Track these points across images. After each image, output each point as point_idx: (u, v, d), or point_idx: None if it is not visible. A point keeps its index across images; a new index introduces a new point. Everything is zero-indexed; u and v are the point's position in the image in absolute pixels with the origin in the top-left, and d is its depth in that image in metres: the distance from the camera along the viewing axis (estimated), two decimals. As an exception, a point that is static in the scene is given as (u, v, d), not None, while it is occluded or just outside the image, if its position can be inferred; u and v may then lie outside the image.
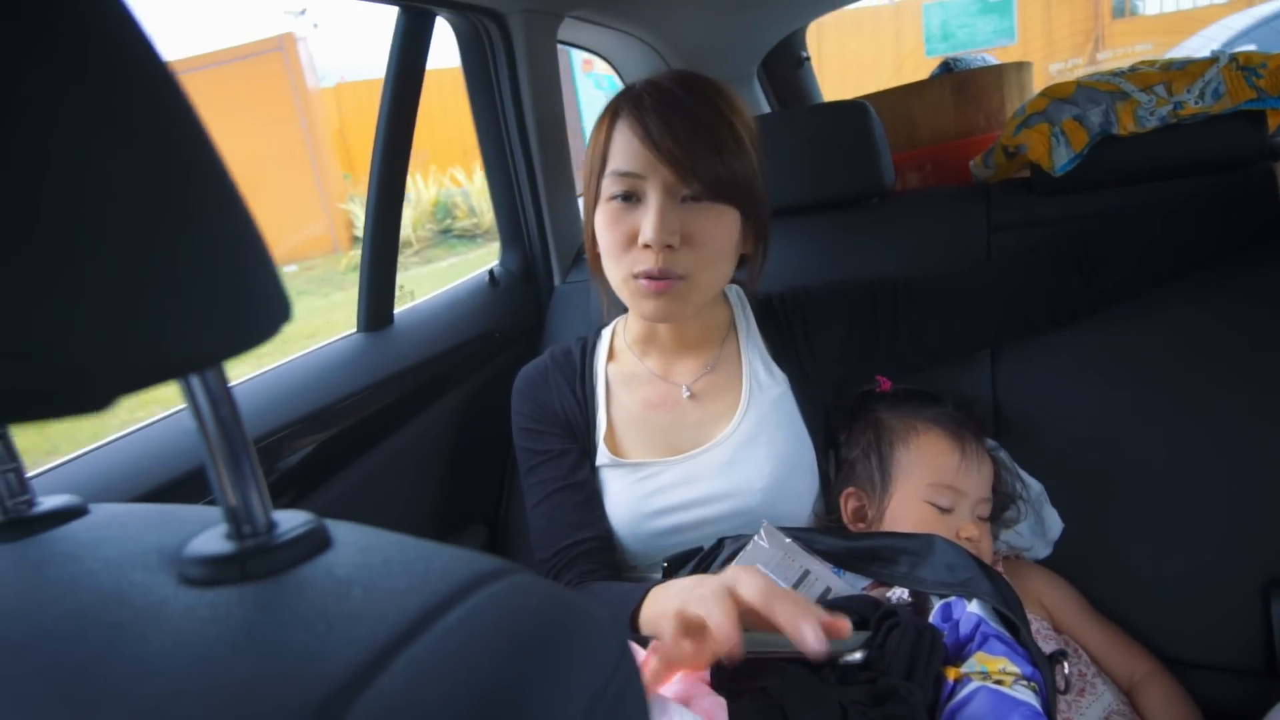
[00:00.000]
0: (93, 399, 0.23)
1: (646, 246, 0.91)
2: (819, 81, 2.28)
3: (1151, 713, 0.90)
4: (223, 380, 0.31)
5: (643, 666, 0.69)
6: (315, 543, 0.31)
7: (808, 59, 2.23)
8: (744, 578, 0.68)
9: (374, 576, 0.28)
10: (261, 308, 0.28)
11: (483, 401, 1.33)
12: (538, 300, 1.48)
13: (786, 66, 2.19)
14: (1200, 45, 4.71)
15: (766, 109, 2.17)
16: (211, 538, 0.32)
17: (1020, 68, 1.63)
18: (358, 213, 8.18)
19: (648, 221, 0.90)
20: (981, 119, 1.55)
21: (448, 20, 1.29)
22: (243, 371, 1.09)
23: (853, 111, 1.25)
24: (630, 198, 0.93)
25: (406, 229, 7.86)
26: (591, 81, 6.20)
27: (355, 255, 8.23)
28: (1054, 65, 7.83)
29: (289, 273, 8.30)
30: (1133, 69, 1.09)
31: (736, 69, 2.05)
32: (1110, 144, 1.07)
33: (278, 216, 7.40)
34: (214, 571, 0.29)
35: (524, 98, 1.37)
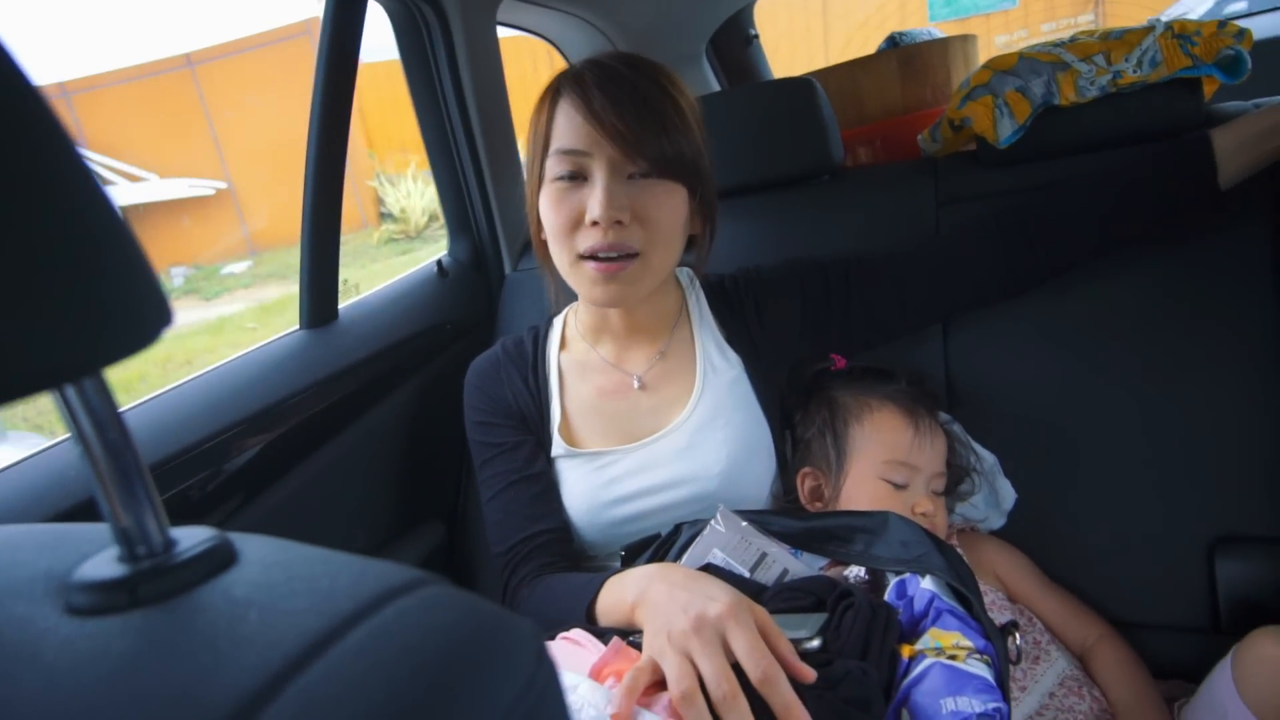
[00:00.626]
0: None
1: (595, 224, 0.89)
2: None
3: (1104, 675, 0.91)
4: (103, 389, 0.29)
5: (600, 667, 0.68)
6: (217, 561, 0.29)
7: (756, 37, 2.21)
8: (738, 631, 0.65)
9: (274, 596, 0.26)
10: (137, 312, 0.26)
11: (435, 395, 1.30)
12: (488, 289, 1.46)
13: (735, 45, 2.17)
14: (1193, 5, 4.71)
15: (716, 88, 2.16)
16: (102, 561, 0.29)
17: (965, 40, 1.63)
18: (386, 189, 8.38)
19: (595, 199, 0.89)
20: (928, 93, 1.55)
21: (381, 3, 1.25)
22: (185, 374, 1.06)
23: (800, 88, 1.24)
24: (576, 177, 0.91)
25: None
26: None
27: (385, 229, 8.43)
28: (999, 38, 7.91)
29: (235, 273, 8.27)
30: (1073, 39, 1.10)
31: (684, 48, 2.03)
32: (1053, 115, 1.08)
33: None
34: (101, 598, 0.27)
35: (465, 83, 1.33)
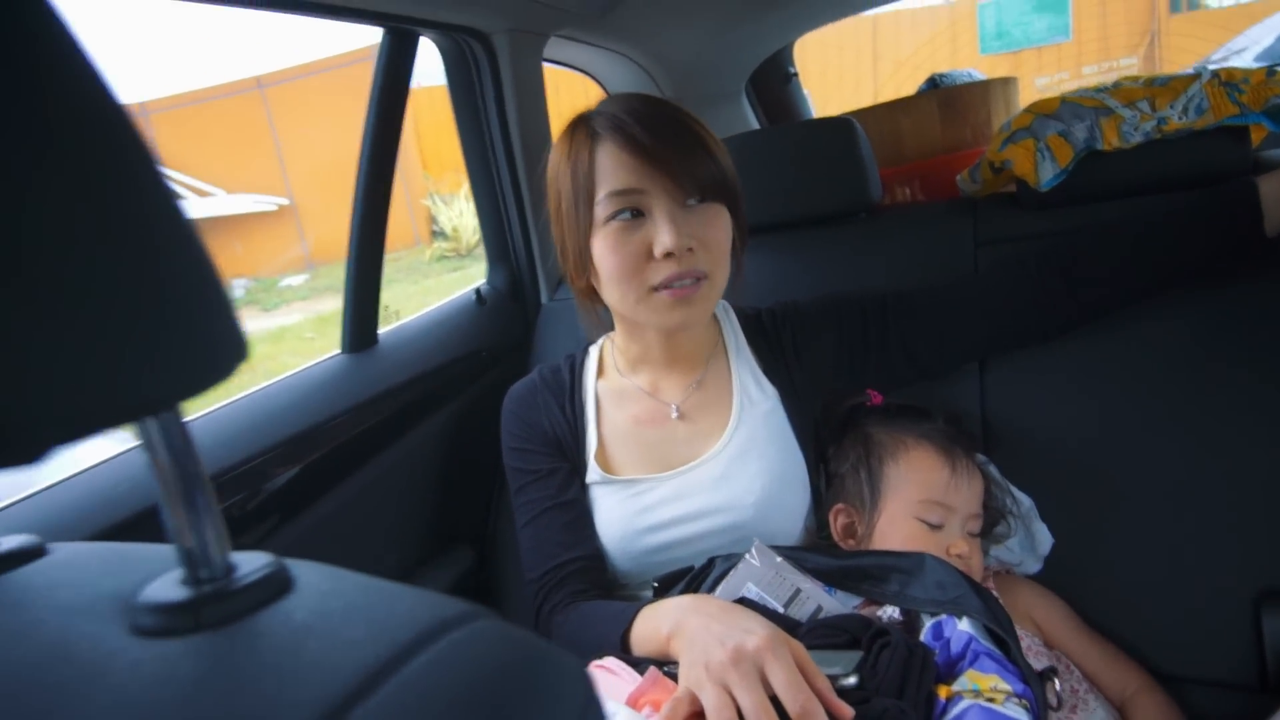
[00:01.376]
0: (25, 450, 0.22)
1: (669, 256, 0.90)
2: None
3: (1144, 729, 0.89)
4: (178, 420, 0.30)
5: (636, 697, 0.68)
6: (275, 586, 0.30)
7: (795, 75, 2.23)
8: (776, 665, 0.65)
9: (332, 624, 0.27)
10: (218, 348, 0.28)
11: (470, 421, 1.32)
12: (525, 318, 1.48)
13: (774, 82, 2.19)
14: (1253, 40, 4.68)
15: (755, 125, 2.18)
16: (167, 583, 0.31)
17: (1006, 83, 1.64)
18: (439, 209, 8.75)
19: (664, 231, 0.90)
20: (968, 134, 1.55)
21: (433, 40, 1.29)
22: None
23: (839, 127, 1.25)
24: (634, 213, 0.93)
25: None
26: None
27: (437, 247, 8.77)
28: (1039, 80, 7.88)
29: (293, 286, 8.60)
30: (1116, 85, 1.10)
31: (725, 85, 2.06)
32: (1095, 159, 1.07)
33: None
34: (166, 620, 0.28)
35: (509, 116, 1.36)
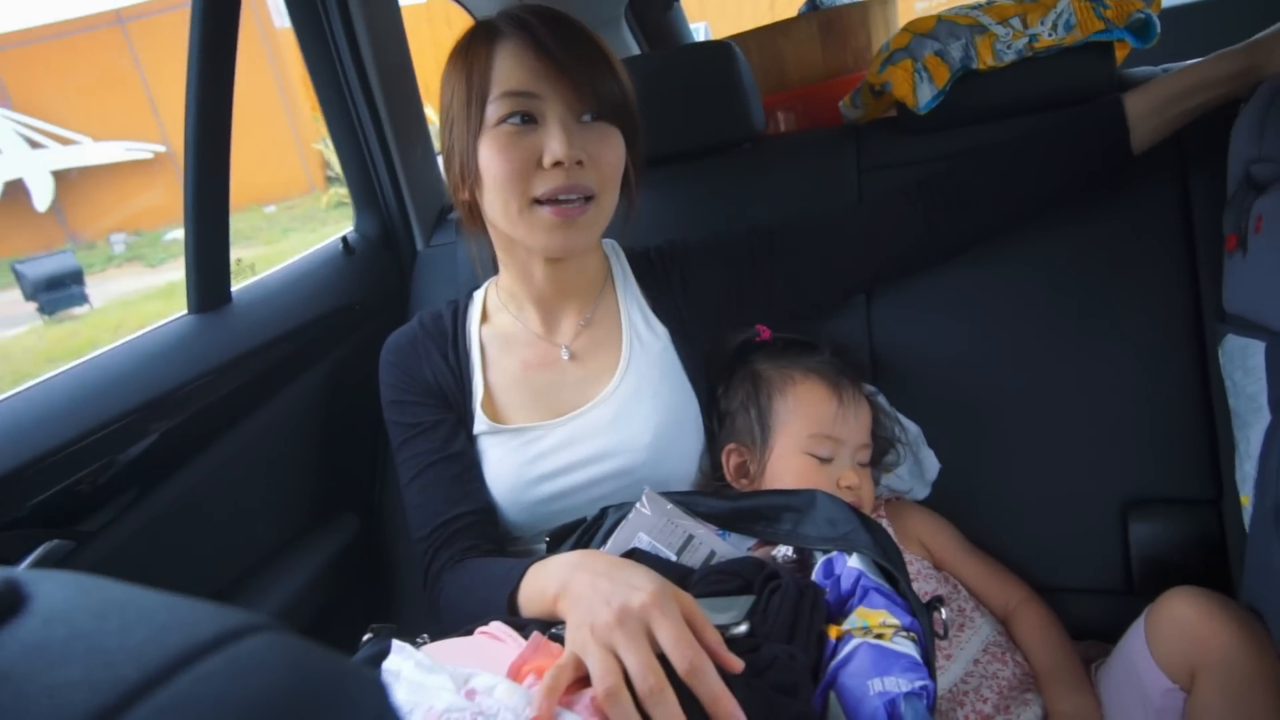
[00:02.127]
0: None
1: (557, 164, 0.85)
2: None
3: (1025, 639, 0.92)
4: None
5: (519, 665, 0.64)
6: None
7: (676, 0, 2.15)
8: (663, 622, 0.62)
9: (42, 664, 0.21)
10: None
11: (345, 379, 1.23)
12: (399, 267, 1.38)
13: (655, 8, 2.11)
14: None
15: (636, 52, 2.09)
16: None
17: (885, 3, 1.61)
18: (331, 152, 8.17)
19: (554, 139, 0.85)
20: (849, 57, 1.53)
21: None
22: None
23: (719, 53, 1.20)
24: (525, 119, 0.87)
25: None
26: None
27: (334, 193, 8.28)
28: (918, 3, 7.99)
29: (269, 213, 8.44)
30: (989, 2, 1.08)
31: (603, 11, 1.96)
32: (971, 80, 1.07)
33: (254, 159, 7.20)
34: None
35: (364, 49, 1.24)
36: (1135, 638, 0.81)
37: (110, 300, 6.36)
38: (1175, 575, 0.85)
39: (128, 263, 7.69)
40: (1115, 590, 0.98)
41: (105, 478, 0.92)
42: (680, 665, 0.59)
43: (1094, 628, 0.96)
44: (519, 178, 0.87)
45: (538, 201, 0.87)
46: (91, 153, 8.17)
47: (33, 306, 5.35)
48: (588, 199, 0.88)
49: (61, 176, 8.10)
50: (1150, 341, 1.00)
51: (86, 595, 0.25)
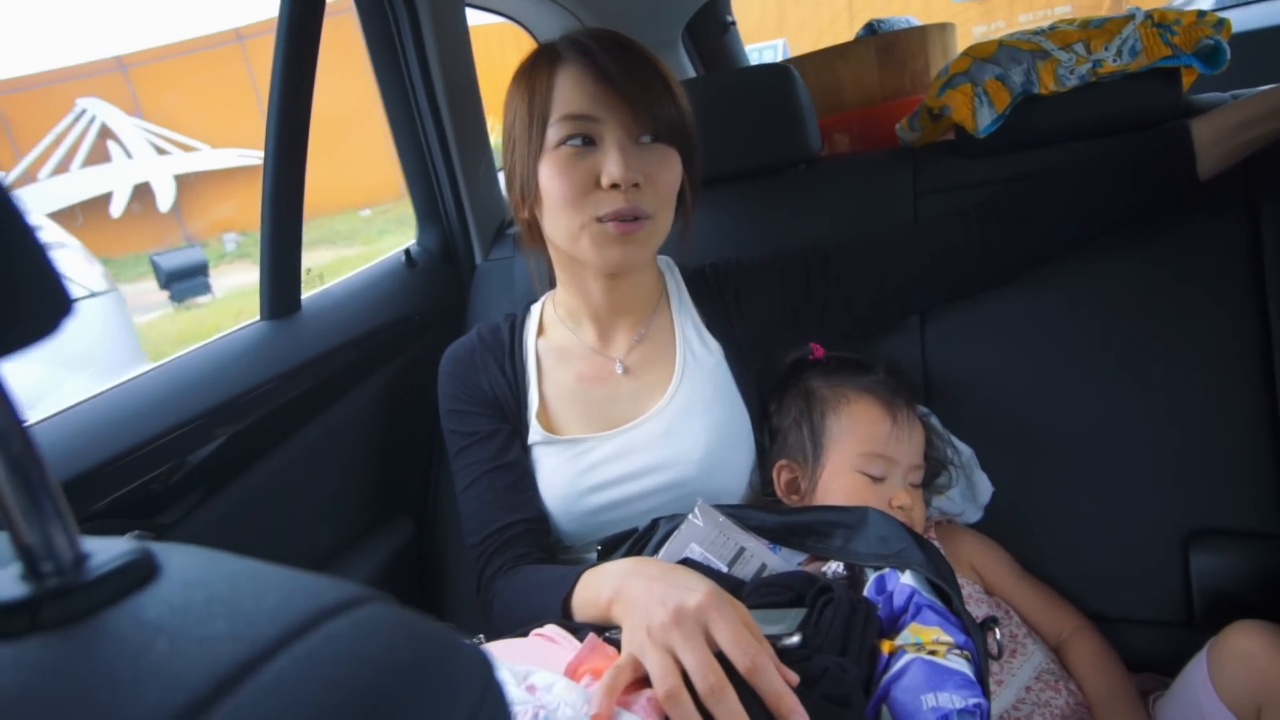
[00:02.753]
0: None
1: (614, 187, 0.87)
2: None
3: (1079, 668, 0.91)
4: (3, 395, 0.26)
5: (575, 665, 0.66)
6: (133, 577, 0.27)
7: (733, 24, 2.18)
8: (720, 621, 0.63)
9: (189, 620, 0.23)
10: (33, 303, 0.23)
11: (404, 387, 1.27)
12: (459, 280, 1.42)
13: (711, 32, 2.14)
14: None
15: (692, 74, 2.13)
16: (6, 579, 0.26)
17: (944, 29, 1.62)
18: None
19: (612, 161, 0.87)
20: (906, 81, 1.53)
21: None
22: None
23: (776, 75, 1.22)
24: (583, 141, 0.89)
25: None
26: None
27: None
28: (977, 28, 7.93)
29: (364, 216, 8.99)
30: (1052, 28, 1.08)
31: (660, 34, 2.00)
32: (1032, 104, 1.06)
33: (352, 164, 7.73)
34: None
35: (433, 69, 1.29)
36: (1197, 671, 0.80)
37: (228, 291, 6.93)
38: (1238, 608, 0.83)
39: (238, 259, 8.33)
40: (1175, 622, 0.96)
41: (178, 476, 0.96)
42: (741, 663, 0.60)
43: (1151, 660, 0.94)
44: (578, 198, 0.89)
45: (598, 220, 0.90)
46: (209, 159, 8.91)
47: (164, 295, 5.92)
48: (644, 218, 0.90)
49: (181, 180, 8.83)
50: (1215, 370, 0.98)
51: (215, 565, 0.28)
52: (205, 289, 5.99)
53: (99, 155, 8.95)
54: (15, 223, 0.23)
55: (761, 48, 5.99)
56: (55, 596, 0.25)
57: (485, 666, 0.24)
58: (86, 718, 0.20)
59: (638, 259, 0.93)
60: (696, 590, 0.66)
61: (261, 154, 1.15)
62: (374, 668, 0.22)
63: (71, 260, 3.22)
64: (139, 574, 0.27)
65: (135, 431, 0.93)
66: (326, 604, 0.24)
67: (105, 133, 8.99)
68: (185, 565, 0.28)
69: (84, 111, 9.00)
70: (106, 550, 0.27)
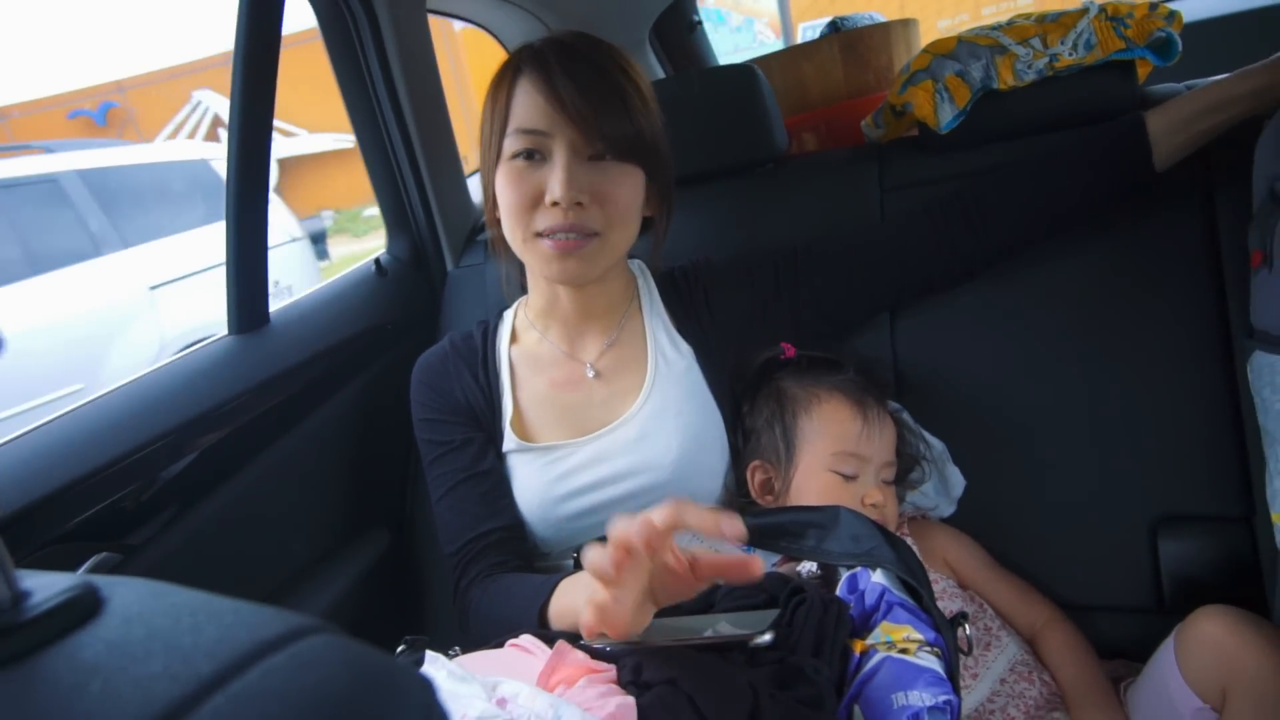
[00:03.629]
0: None
1: (555, 204, 0.87)
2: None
3: (1052, 658, 0.92)
4: None
5: (548, 674, 0.66)
6: (76, 615, 0.26)
7: (700, 23, 2.19)
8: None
9: (125, 659, 0.23)
10: None
11: (378, 398, 1.26)
12: (430, 288, 1.41)
13: (679, 31, 2.14)
14: None
15: (661, 76, 2.13)
16: None
17: (906, 24, 1.63)
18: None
19: (555, 179, 0.87)
20: (871, 78, 1.54)
21: None
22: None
23: (740, 75, 1.22)
24: (533, 155, 0.90)
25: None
26: (704, 15, 6.82)
27: None
28: (941, 22, 7.99)
29: None
30: (1010, 22, 1.09)
31: (627, 34, 1.99)
32: (992, 99, 1.08)
33: None
34: None
35: (395, 74, 1.28)
36: (1165, 657, 0.81)
37: (340, 257, 7.81)
38: (1206, 594, 0.84)
39: (337, 234, 9.27)
40: (1145, 609, 0.98)
41: (149, 494, 0.96)
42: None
43: (1123, 647, 0.96)
44: (523, 211, 0.90)
45: (539, 235, 0.90)
46: (307, 143, 9.61)
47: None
48: (590, 235, 0.90)
49: (282, 163, 9.38)
50: (1177, 358, 1.00)
51: (158, 599, 0.27)
52: (325, 254, 7.01)
53: (212, 141, 9.56)
54: None
55: (816, 24, 5.95)
56: None
57: (427, 694, 0.24)
58: None
59: (584, 274, 0.93)
60: None
61: (352, 138, 1.16)
62: (310, 703, 0.22)
63: (276, 209, 4.07)
64: (80, 612, 0.26)
65: (103, 450, 0.92)
66: (266, 637, 0.23)
67: (216, 121, 9.68)
68: (128, 600, 0.27)
69: (199, 103, 9.87)
70: (48, 587, 0.27)
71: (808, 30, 5.94)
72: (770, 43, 7.62)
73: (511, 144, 0.90)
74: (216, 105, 9.73)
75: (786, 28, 7.41)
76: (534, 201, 0.89)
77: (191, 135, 9.81)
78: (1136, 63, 1.04)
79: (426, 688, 0.24)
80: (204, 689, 0.21)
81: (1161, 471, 0.99)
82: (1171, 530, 0.97)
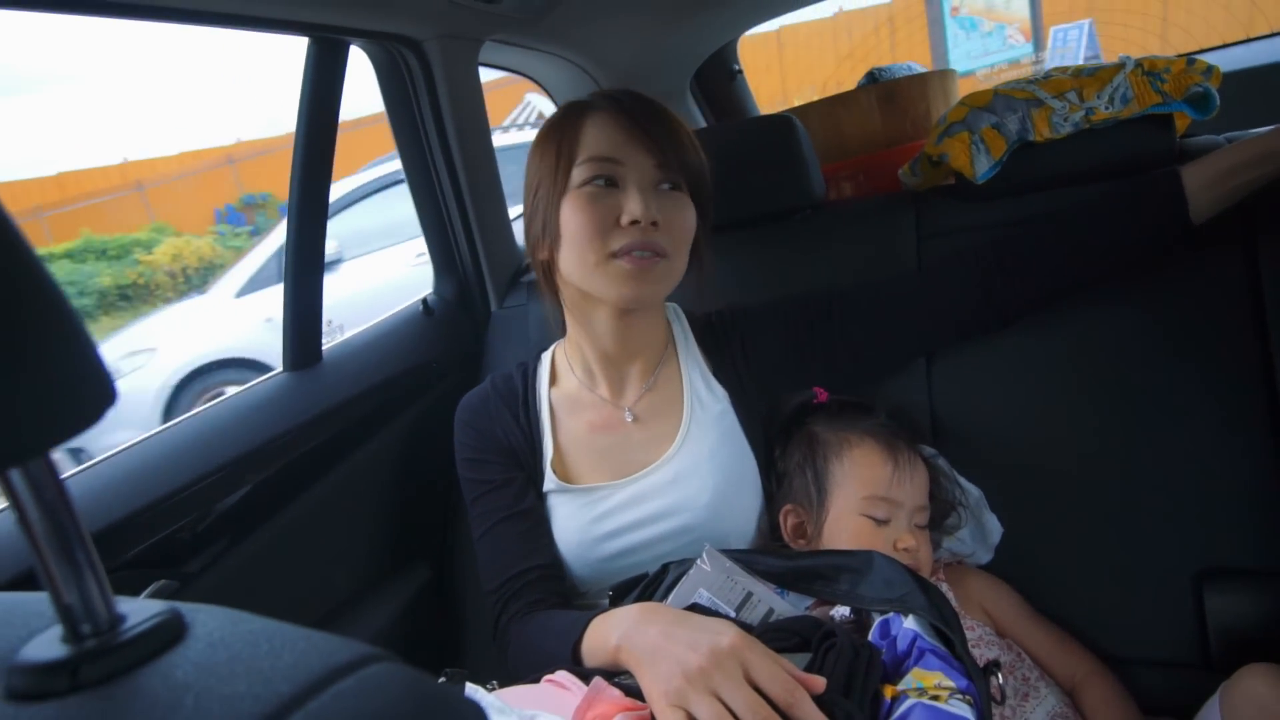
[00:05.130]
0: None
1: (634, 223, 0.91)
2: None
3: (1092, 712, 0.90)
4: (49, 467, 0.29)
5: (583, 711, 0.68)
6: (164, 637, 0.29)
7: (740, 72, 2.24)
8: (757, 660, 0.67)
9: (213, 679, 0.26)
10: (80, 393, 0.26)
11: (422, 434, 1.30)
12: (474, 328, 1.46)
13: (720, 80, 2.19)
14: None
15: (701, 123, 2.18)
16: (47, 640, 0.29)
17: (944, 75, 1.66)
18: None
19: (633, 200, 0.92)
20: (908, 127, 1.57)
21: (362, 49, 1.26)
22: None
23: (780, 125, 1.25)
24: (606, 182, 0.94)
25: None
26: (958, 23, 7.45)
27: None
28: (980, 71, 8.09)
29: None
30: (1046, 76, 1.11)
31: (669, 84, 2.05)
32: (1029, 150, 1.09)
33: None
34: (40, 682, 0.27)
35: (447, 125, 1.34)
36: (1210, 716, 0.79)
37: None
38: (1254, 650, 0.82)
39: None
40: (1189, 664, 0.96)
41: (204, 524, 1.00)
42: (782, 699, 0.63)
43: (1166, 703, 0.93)
44: (597, 233, 0.93)
45: (614, 255, 0.93)
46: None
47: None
48: (661, 255, 0.94)
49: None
50: (1221, 407, 0.99)
51: (236, 625, 0.30)
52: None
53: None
54: (64, 314, 0.26)
55: (1067, 28, 5.95)
56: (93, 657, 0.28)
57: (482, 714, 0.27)
58: None
59: (651, 296, 0.96)
60: (725, 632, 0.69)
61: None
62: None
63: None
64: (169, 635, 0.29)
65: (163, 482, 0.96)
66: (338, 663, 0.26)
67: (540, 117, 10.79)
68: (210, 626, 0.30)
69: (529, 103, 10.95)
70: (140, 612, 0.30)
71: (1058, 34, 5.96)
72: (1019, 46, 7.68)
73: (582, 172, 0.94)
74: (542, 105, 10.84)
75: (1037, 31, 7.56)
76: (608, 225, 0.93)
77: (521, 128, 10.84)
78: (1174, 115, 1.05)
79: (480, 714, 0.27)
80: (284, 708, 0.24)
81: (1206, 523, 0.97)
82: (1217, 583, 0.95)
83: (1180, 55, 1.04)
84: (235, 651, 0.28)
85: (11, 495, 0.28)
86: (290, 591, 1.08)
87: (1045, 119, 1.07)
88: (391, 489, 1.26)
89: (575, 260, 0.95)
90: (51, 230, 9.53)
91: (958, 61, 7.81)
